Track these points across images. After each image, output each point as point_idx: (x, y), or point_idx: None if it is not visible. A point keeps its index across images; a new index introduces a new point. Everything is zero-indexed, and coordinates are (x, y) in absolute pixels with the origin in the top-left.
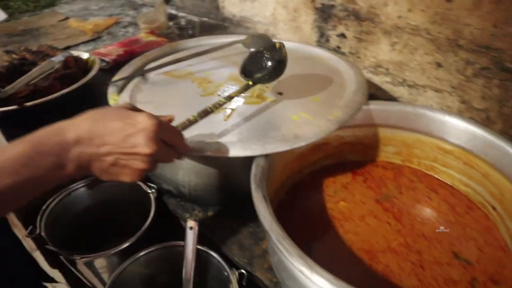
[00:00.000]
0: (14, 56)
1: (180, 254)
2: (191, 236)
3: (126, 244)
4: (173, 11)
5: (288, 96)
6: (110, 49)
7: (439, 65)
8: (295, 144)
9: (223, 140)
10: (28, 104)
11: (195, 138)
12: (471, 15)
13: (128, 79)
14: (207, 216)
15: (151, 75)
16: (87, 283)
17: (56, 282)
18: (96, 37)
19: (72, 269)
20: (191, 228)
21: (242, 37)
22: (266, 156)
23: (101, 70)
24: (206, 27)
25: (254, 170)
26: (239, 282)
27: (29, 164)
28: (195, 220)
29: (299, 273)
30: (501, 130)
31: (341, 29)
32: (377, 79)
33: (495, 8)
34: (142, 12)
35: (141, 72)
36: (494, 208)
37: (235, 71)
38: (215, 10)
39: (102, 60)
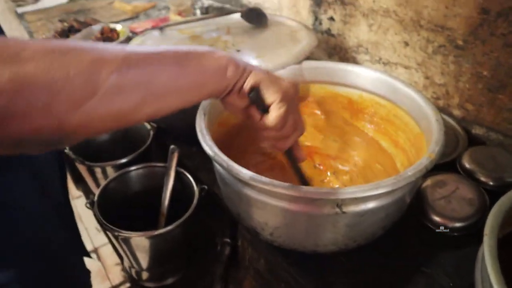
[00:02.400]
0: (65, 24)
1: (159, 173)
2: (173, 158)
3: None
4: None
5: (243, 52)
6: (142, 25)
7: (406, 44)
8: None
9: None
10: None
11: None
12: None
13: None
14: (190, 149)
15: (167, 31)
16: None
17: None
18: (134, 17)
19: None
20: (173, 152)
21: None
22: None
23: (129, 39)
24: (224, 12)
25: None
26: (200, 193)
27: (185, 53)
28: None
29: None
30: (458, 104)
31: (330, 13)
32: (359, 58)
33: None
34: None
35: (159, 27)
36: None
37: (222, 35)
38: None
39: (132, 32)
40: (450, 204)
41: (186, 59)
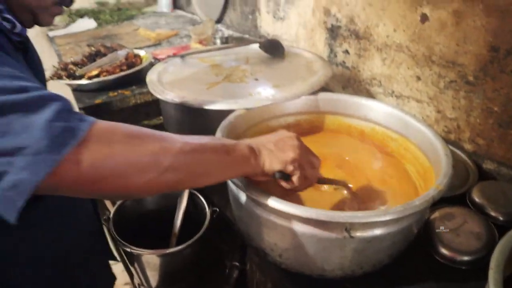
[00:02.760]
0: (92, 48)
1: (173, 194)
2: None
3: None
4: (224, 28)
5: (260, 81)
6: (164, 51)
7: (418, 78)
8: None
9: (207, 98)
10: (94, 79)
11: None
12: (439, 35)
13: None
14: None
15: (188, 58)
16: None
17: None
18: (157, 44)
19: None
20: None
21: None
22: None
23: (151, 65)
24: (244, 42)
25: (223, 122)
26: (211, 215)
27: (220, 145)
28: None
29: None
30: (469, 138)
31: (345, 46)
32: (372, 90)
33: (456, 30)
34: (195, 26)
35: (180, 55)
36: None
37: (241, 64)
38: (254, 29)
39: (154, 58)
40: (458, 237)
41: (225, 150)
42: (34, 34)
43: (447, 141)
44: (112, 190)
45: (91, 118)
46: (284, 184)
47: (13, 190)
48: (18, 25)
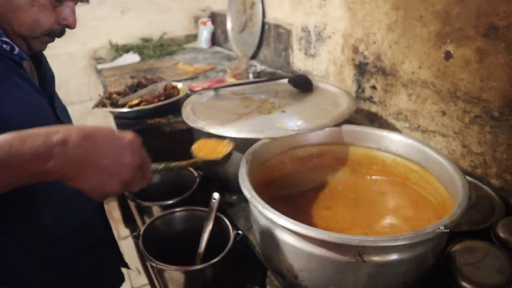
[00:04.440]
0: (135, 80)
1: (200, 216)
2: (214, 204)
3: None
4: (258, 64)
5: (287, 113)
6: (200, 84)
7: (443, 113)
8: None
9: (236, 127)
10: (134, 108)
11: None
12: (464, 71)
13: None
14: (231, 199)
15: (221, 91)
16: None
17: (128, 268)
18: (194, 77)
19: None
20: (215, 199)
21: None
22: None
23: (187, 96)
24: (274, 77)
25: (249, 150)
26: (235, 238)
27: (9, 149)
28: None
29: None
30: (496, 174)
31: (372, 82)
32: (398, 125)
33: (479, 67)
34: (230, 62)
35: (214, 88)
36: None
37: (270, 97)
38: (286, 65)
39: (190, 90)
40: (479, 271)
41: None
42: (83, 66)
43: (473, 176)
44: None
45: None
46: None
47: None
48: (16, 48)
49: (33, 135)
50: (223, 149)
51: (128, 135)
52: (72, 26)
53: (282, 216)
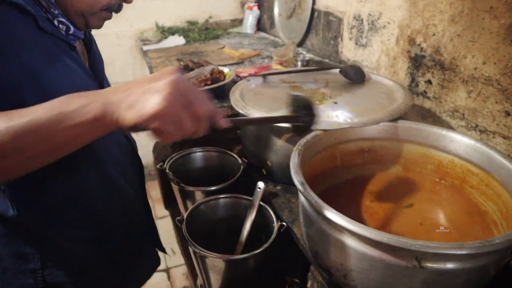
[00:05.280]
0: (181, 63)
1: (243, 205)
2: (258, 194)
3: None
4: (304, 52)
5: (339, 105)
6: (246, 70)
7: (507, 113)
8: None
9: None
10: None
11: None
12: None
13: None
14: (276, 189)
15: (269, 78)
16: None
17: (165, 253)
18: (240, 62)
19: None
20: (259, 188)
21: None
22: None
23: (234, 82)
24: (325, 66)
25: (301, 141)
26: (279, 230)
27: (56, 116)
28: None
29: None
30: None
31: (428, 76)
32: (453, 123)
33: None
34: (277, 48)
35: (262, 75)
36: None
37: (321, 87)
38: (335, 54)
39: (237, 75)
40: None
41: (63, 119)
42: (129, 47)
43: None
44: None
45: None
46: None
47: None
48: (72, 27)
49: (76, 94)
50: None
51: (163, 77)
52: (129, 0)
53: (337, 213)
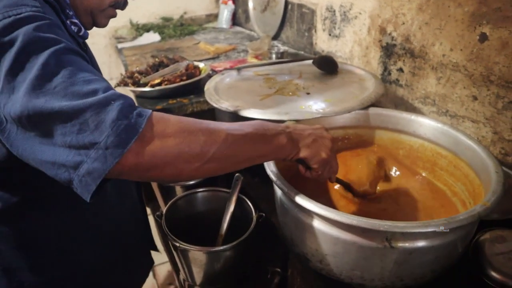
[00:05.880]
0: (156, 59)
1: (222, 198)
2: (236, 186)
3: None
4: (279, 45)
5: (312, 96)
6: (221, 64)
7: (475, 98)
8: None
9: (260, 108)
10: (156, 87)
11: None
12: (499, 55)
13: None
14: (253, 180)
15: (243, 71)
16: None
17: (157, 251)
18: (215, 57)
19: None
20: (237, 180)
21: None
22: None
23: (209, 76)
24: (298, 58)
25: None
26: (257, 220)
27: (261, 135)
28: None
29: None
30: None
31: (400, 64)
32: (425, 109)
33: None
34: (252, 42)
35: (236, 68)
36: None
37: (294, 78)
38: (309, 46)
39: (212, 70)
40: (510, 261)
41: (265, 139)
42: (104, 45)
43: (504, 164)
44: (163, 176)
45: (148, 112)
46: (301, 168)
47: (88, 176)
48: (83, 28)
49: (268, 125)
50: None
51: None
52: None
53: (309, 199)
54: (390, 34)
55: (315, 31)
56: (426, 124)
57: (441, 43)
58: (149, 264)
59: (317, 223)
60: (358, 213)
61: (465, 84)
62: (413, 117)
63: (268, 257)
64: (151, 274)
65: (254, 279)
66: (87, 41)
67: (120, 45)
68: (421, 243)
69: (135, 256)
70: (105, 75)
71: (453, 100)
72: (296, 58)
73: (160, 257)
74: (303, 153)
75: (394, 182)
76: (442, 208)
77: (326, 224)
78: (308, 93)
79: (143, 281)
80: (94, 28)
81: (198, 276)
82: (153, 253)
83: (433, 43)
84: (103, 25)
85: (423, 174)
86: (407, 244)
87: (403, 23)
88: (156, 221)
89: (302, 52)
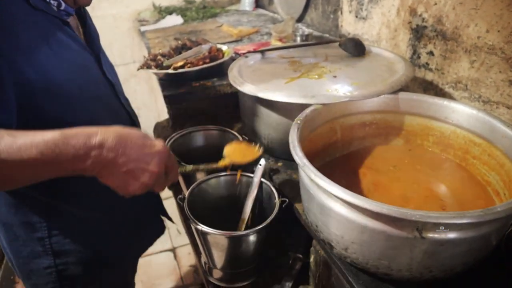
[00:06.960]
0: (179, 42)
1: (245, 182)
2: (259, 170)
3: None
4: (304, 27)
5: (339, 79)
6: (245, 47)
7: (511, 82)
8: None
9: (285, 92)
10: (179, 70)
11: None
12: None
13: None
14: (277, 165)
15: (267, 54)
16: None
17: (170, 219)
18: (238, 39)
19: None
20: (260, 164)
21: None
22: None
23: (232, 59)
24: (323, 40)
25: (300, 115)
26: (280, 205)
27: (54, 149)
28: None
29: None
30: None
31: (430, 47)
32: (456, 94)
33: None
34: (275, 24)
35: (260, 51)
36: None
37: (320, 61)
38: (334, 28)
39: (235, 53)
40: None
41: (52, 165)
42: (127, 28)
43: None
44: None
45: None
46: None
47: None
48: (63, 3)
49: (75, 135)
50: (253, 154)
51: (158, 145)
52: None
53: (337, 186)
54: (420, 15)
55: (341, 12)
56: (460, 110)
57: (476, 24)
58: (160, 229)
59: (344, 210)
60: (386, 196)
61: (501, 68)
62: (445, 102)
63: (290, 243)
64: (172, 255)
65: (275, 265)
66: (109, 23)
67: (143, 28)
68: (453, 235)
69: (144, 214)
70: (128, 58)
71: (487, 84)
72: (321, 40)
73: (181, 240)
74: (107, 181)
75: (427, 170)
76: (477, 200)
77: (354, 212)
78: (334, 76)
79: (150, 243)
80: (117, 11)
81: (219, 259)
82: (174, 235)
83: (468, 24)
84: (84, 3)
85: (455, 162)
86: (438, 235)
87: (435, 3)
88: (178, 204)
89: (327, 35)
